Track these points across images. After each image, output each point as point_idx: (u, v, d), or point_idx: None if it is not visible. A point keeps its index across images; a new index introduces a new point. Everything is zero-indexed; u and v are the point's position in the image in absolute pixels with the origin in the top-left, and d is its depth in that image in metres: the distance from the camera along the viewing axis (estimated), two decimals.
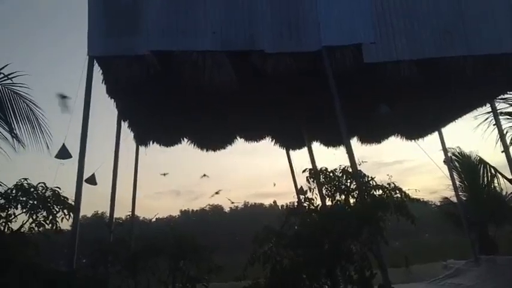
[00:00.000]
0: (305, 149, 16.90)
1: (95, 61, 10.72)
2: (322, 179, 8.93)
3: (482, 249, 16.77)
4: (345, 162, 9.89)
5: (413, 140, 18.42)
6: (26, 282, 7.44)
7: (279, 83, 11.54)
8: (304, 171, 9.27)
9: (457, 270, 15.56)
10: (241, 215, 79.62)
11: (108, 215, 13.10)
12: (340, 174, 8.93)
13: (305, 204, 8.73)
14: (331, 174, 8.93)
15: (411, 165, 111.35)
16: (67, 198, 8.24)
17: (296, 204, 10.02)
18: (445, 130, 17.86)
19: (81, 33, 10.67)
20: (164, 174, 20.19)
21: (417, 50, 11.31)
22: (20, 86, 8.98)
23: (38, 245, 8.04)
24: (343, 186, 8.79)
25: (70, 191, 8.88)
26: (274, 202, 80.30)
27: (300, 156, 19.29)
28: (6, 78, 8.82)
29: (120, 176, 13.07)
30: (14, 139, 8.78)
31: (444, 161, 17.81)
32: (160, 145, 16.61)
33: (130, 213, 15.88)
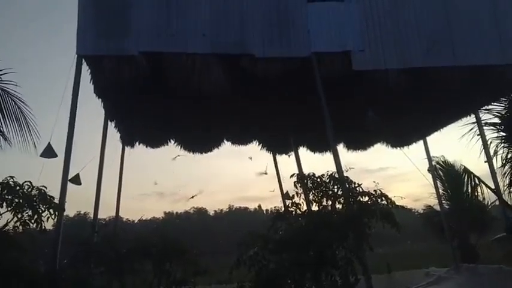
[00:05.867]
0: (292, 154, 17.03)
1: (84, 60, 10.63)
2: (309, 185, 8.97)
3: (463, 258, 16.97)
4: (331, 168, 9.97)
5: (398, 148, 18.60)
6: (8, 283, 7.34)
7: (268, 88, 11.59)
8: (292, 176, 9.30)
9: (439, 278, 15.66)
10: (226, 218, 79.51)
11: (90, 215, 12.99)
12: (328, 180, 8.98)
13: (292, 209, 8.75)
14: (318, 179, 8.98)
15: (395, 173, 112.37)
16: (53, 198, 8.16)
17: (282, 208, 10.03)
18: (430, 139, 18.11)
19: (71, 32, 10.60)
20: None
21: (405, 59, 11.47)
22: (8, 84, 8.91)
23: (21, 245, 7.95)
24: (330, 192, 8.84)
25: (54, 190, 8.79)
26: (259, 206, 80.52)
27: (287, 161, 19.34)
28: None
29: (105, 176, 12.98)
30: (1, 136, 8.69)
31: (428, 169, 18.01)
32: (146, 146, 16.52)
33: (114, 214, 15.81)
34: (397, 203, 8.78)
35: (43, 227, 7.97)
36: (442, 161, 19.03)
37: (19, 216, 7.80)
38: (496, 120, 11.33)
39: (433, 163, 18.40)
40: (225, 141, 17.26)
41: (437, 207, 18.73)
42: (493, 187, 13.94)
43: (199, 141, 16.86)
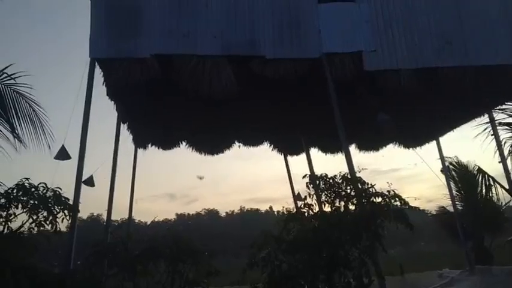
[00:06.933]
0: (303, 155, 17.01)
1: (96, 63, 10.74)
2: (322, 185, 8.93)
3: (477, 259, 16.80)
4: (342, 169, 9.92)
5: (411, 149, 18.49)
6: (21, 285, 7.39)
7: (279, 89, 11.58)
8: (304, 176, 9.27)
9: (452, 280, 15.54)
10: (237, 219, 79.58)
11: (104, 217, 13.07)
12: (340, 181, 8.93)
13: (304, 210, 8.72)
14: (330, 180, 8.93)
15: (408, 174, 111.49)
16: (68, 199, 8.23)
17: (294, 209, 10.01)
18: (443, 139, 17.99)
19: (84, 35, 10.71)
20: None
21: (417, 59, 11.42)
22: (22, 86, 9.01)
23: (35, 246, 8.02)
24: (342, 193, 8.78)
25: (68, 192, 8.86)
26: (270, 208, 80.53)
27: (297, 162, 19.34)
28: (9, 78, 8.84)
29: (118, 178, 13.07)
30: (16, 139, 8.79)
31: (442, 170, 17.87)
32: (158, 148, 16.62)
33: (127, 215, 15.91)
34: (410, 204, 8.71)
35: (58, 229, 8.05)
36: (456, 162, 18.87)
37: (34, 217, 7.88)
38: (510, 120, 11.19)
39: (447, 163, 18.27)
40: (236, 142, 17.31)
41: (451, 208, 18.55)
42: (507, 187, 13.79)
43: (210, 142, 16.93)
